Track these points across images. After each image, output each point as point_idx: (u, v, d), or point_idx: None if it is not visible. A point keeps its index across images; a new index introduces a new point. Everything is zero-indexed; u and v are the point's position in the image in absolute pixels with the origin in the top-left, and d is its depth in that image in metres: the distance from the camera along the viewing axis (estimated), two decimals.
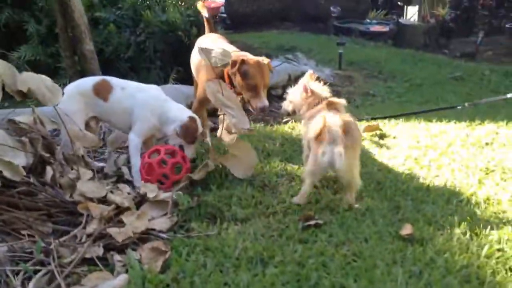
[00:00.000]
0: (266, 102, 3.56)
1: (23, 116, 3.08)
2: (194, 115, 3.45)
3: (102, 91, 3.37)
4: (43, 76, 2.91)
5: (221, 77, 3.63)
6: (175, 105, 3.49)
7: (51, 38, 7.17)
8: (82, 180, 2.85)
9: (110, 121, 3.53)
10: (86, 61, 6.05)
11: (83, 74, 5.95)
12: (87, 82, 3.45)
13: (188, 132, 3.34)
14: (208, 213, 2.90)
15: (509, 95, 3.08)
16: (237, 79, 3.55)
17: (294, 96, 3.36)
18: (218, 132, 3.97)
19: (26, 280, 2.20)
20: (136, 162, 3.29)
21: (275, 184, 3.27)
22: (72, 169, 2.97)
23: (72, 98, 3.29)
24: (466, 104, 3.16)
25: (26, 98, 2.92)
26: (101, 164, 3.60)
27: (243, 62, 3.51)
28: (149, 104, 3.39)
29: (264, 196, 3.10)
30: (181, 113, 3.39)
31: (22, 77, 2.78)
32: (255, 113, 3.67)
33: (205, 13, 4.48)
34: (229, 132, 3.64)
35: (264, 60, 3.61)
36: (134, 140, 3.34)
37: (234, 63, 3.51)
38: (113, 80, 3.45)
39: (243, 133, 3.44)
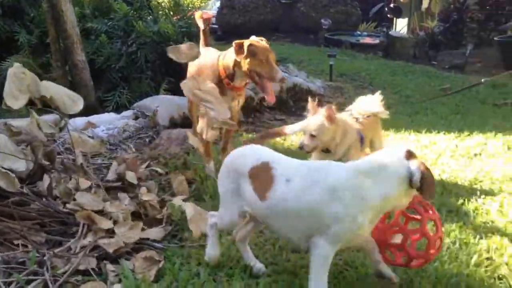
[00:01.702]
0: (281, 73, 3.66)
1: (20, 120, 3.10)
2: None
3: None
4: (62, 87, 2.95)
5: (218, 77, 3.69)
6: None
7: (42, 48, 7.18)
8: (80, 191, 2.86)
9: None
10: (78, 71, 6.07)
11: (74, 84, 5.97)
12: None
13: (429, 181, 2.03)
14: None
15: (483, 80, 3.28)
16: (248, 63, 3.57)
17: (319, 130, 3.11)
18: (199, 128, 3.97)
19: None
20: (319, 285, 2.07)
21: None
22: (70, 178, 2.98)
23: None
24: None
25: (46, 106, 2.94)
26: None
27: (250, 44, 3.56)
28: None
29: None
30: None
31: (44, 84, 2.81)
32: (275, 82, 3.63)
33: (201, 25, 4.51)
34: (212, 128, 3.66)
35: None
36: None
37: (240, 47, 3.55)
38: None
39: (225, 126, 3.44)
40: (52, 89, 2.92)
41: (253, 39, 3.67)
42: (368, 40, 11.86)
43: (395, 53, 10.81)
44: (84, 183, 2.99)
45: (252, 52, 3.55)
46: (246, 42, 3.57)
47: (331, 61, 7.53)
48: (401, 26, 15.59)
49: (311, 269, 2.05)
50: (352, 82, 7.68)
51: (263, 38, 3.73)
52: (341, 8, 12.90)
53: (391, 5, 13.27)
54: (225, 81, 3.68)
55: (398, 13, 13.03)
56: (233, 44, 3.60)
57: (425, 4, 14.96)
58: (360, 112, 3.43)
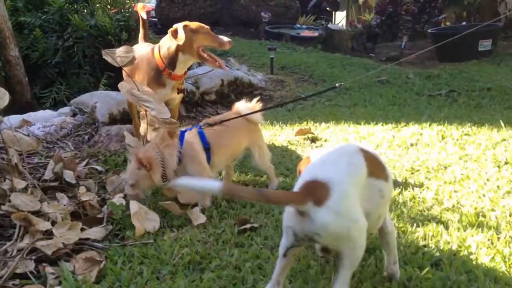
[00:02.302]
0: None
1: None
2: None
3: None
4: None
5: (156, 69, 3.74)
6: None
7: None
8: (15, 192, 2.75)
9: None
10: (11, 67, 5.83)
11: (8, 80, 5.74)
12: None
13: None
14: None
15: (337, 84, 3.40)
16: (194, 41, 3.66)
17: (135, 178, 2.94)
18: (141, 129, 3.94)
19: None
20: None
21: None
22: (4, 179, 2.87)
23: None
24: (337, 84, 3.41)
25: None
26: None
27: (185, 25, 3.66)
28: None
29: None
30: None
31: None
32: (226, 48, 3.76)
33: (144, 15, 4.44)
34: (153, 128, 3.65)
35: None
36: None
37: (176, 32, 3.64)
38: None
39: (166, 125, 3.42)
40: None
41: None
42: (307, 33, 12.01)
43: (334, 45, 11.02)
44: (20, 183, 2.88)
45: (194, 30, 3.63)
46: (179, 25, 3.66)
47: (271, 54, 7.58)
48: (339, 19, 15.91)
49: None
50: (292, 75, 7.77)
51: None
52: (281, 1, 12.99)
53: None
54: (165, 72, 3.70)
55: (335, 6, 13.26)
56: (169, 32, 3.63)
57: None
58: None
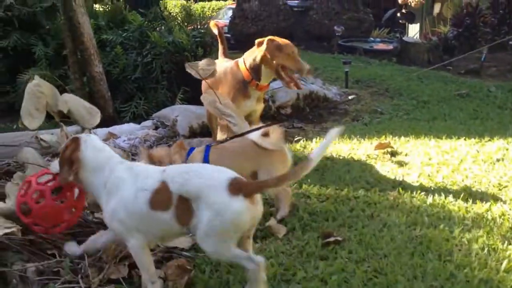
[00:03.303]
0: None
1: (49, 133, 3.16)
2: None
3: None
4: (81, 100, 2.98)
5: (242, 81, 3.85)
6: None
7: (59, 60, 7.29)
8: None
9: None
10: (95, 82, 6.15)
11: (92, 95, 6.05)
12: None
13: None
14: None
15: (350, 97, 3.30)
16: (274, 59, 3.73)
17: None
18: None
19: None
20: None
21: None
22: None
23: None
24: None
25: (65, 118, 2.99)
26: None
27: (271, 40, 3.72)
28: None
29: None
30: None
31: (63, 98, 2.85)
32: (303, 75, 4.00)
33: (215, 31, 4.58)
34: None
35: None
36: None
37: (260, 43, 3.75)
38: None
39: None
40: (72, 102, 2.98)
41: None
42: (381, 46, 11.87)
43: (409, 58, 10.80)
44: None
45: (278, 47, 3.67)
46: (267, 39, 3.76)
47: (346, 68, 7.53)
48: (412, 31, 15.59)
49: None
50: (367, 89, 7.67)
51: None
52: (354, 15, 12.89)
53: (404, 11, 13.27)
54: (252, 83, 3.79)
55: (411, 18, 13.03)
56: (256, 42, 3.71)
57: (436, 9, 14.98)
58: None
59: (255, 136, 3.02)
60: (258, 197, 2.21)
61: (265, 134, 2.98)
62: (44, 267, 2.39)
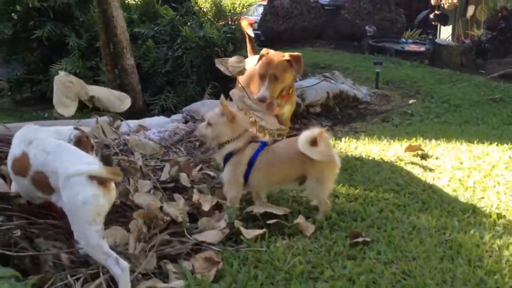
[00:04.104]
0: (265, 94, 3.60)
1: (86, 126, 3.21)
2: None
3: None
4: (108, 89, 3.03)
5: None
6: None
7: (91, 52, 7.40)
8: (139, 193, 2.93)
9: None
10: (127, 75, 6.22)
11: (123, 88, 6.11)
12: None
13: None
14: (256, 225, 2.95)
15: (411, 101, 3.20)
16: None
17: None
18: None
19: (85, 285, 2.28)
20: None
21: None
22: (128, 180, 3.06)
23: None
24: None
25: (96, 109, 3.05)
26: None
27: (261, 56, 3.71)
28: None
29: (310, 212, 3.14)
30: None
31: (90, 87, 2.90)
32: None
33: (251, 33, 4.58)
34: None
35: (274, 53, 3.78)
36: None
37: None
38: None
39: (273, 133, 3.49)
40: (98, 90, 3.02)
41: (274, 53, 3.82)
42: (413, 48, 11.74)
43: (441, 61, 10.64)
44: (144, 184, 3.07)
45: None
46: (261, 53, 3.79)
47: (377, 68, 7.48)
48: (444, 34, 15.36)
49: None
50: (398, 90, 7.61)
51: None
52: (386, 15, 12.75)
53: (437, 12, 13.08)
54: None
55: (444, 20, 12.84)
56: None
57: (470, 12, 14.70)
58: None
59: (302, 145, 2.89)
60: (113, 184, 2.34)
61: (313, 143, 2.90)
62: (74, 254, 2.43)
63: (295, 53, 3.84)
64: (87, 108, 3.30)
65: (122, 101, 3.33)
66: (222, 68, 3.61)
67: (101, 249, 2.22)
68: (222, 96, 3.05)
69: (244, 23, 4.88)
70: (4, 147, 3.23)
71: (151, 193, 3.06)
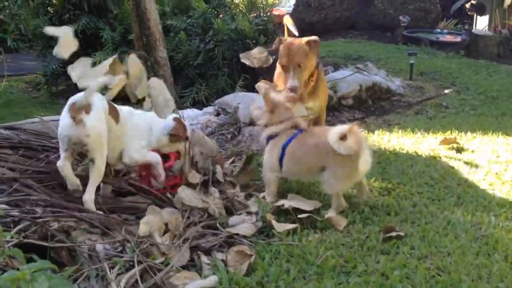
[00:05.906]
0: (295, 83, 3.51)
1: None
2: None
3: None
4: (165, 89, 3.00)
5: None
6: None
7: (125, 44, 7.47)
8: (183, 187, 2.97)
9: None
10: (160, 67, 6.27)
11: None
12: None
13: None
14: (287, 219, 2.95)
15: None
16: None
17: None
18: None
19: (120, 275, 2.32)
20: None
21: (349, 194, 3.24)
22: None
23: None
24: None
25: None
26: None
27: (279, 41, 3.60)
28: None
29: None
30: None
31: (149, 83, 2.86)
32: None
33: (294, 30, 4.54)
34: None
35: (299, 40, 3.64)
36: None
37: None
38: None
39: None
40: (155, 89, 3.01)
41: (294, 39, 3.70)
42: (449, 38, 11.48)
43: (477, 51, 10.37)
44: (195, 177, 3.13)
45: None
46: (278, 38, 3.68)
47: (411, 59, 7.34)
48: (480, 24, 14.98)
49: None
50: (432, 82, 7.47)
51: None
52: (420, 5, 12.50)
53: (474, 2, 12.75)
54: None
55: (481, 10, 12.51)
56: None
57: (508, 1, 14.29)
58: None
59: (332, 139, 2.87)
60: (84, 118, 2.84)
61: (343, 137, 2.85)
62: (110, 245, 2.48)
63: (312, 37, 3.73)
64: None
65: (167, 107, 3.30)
66: (247, 62, 3.61)
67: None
68: (263, 89, 3.18)
69: (287, 19, 4.83)
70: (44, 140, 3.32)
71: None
